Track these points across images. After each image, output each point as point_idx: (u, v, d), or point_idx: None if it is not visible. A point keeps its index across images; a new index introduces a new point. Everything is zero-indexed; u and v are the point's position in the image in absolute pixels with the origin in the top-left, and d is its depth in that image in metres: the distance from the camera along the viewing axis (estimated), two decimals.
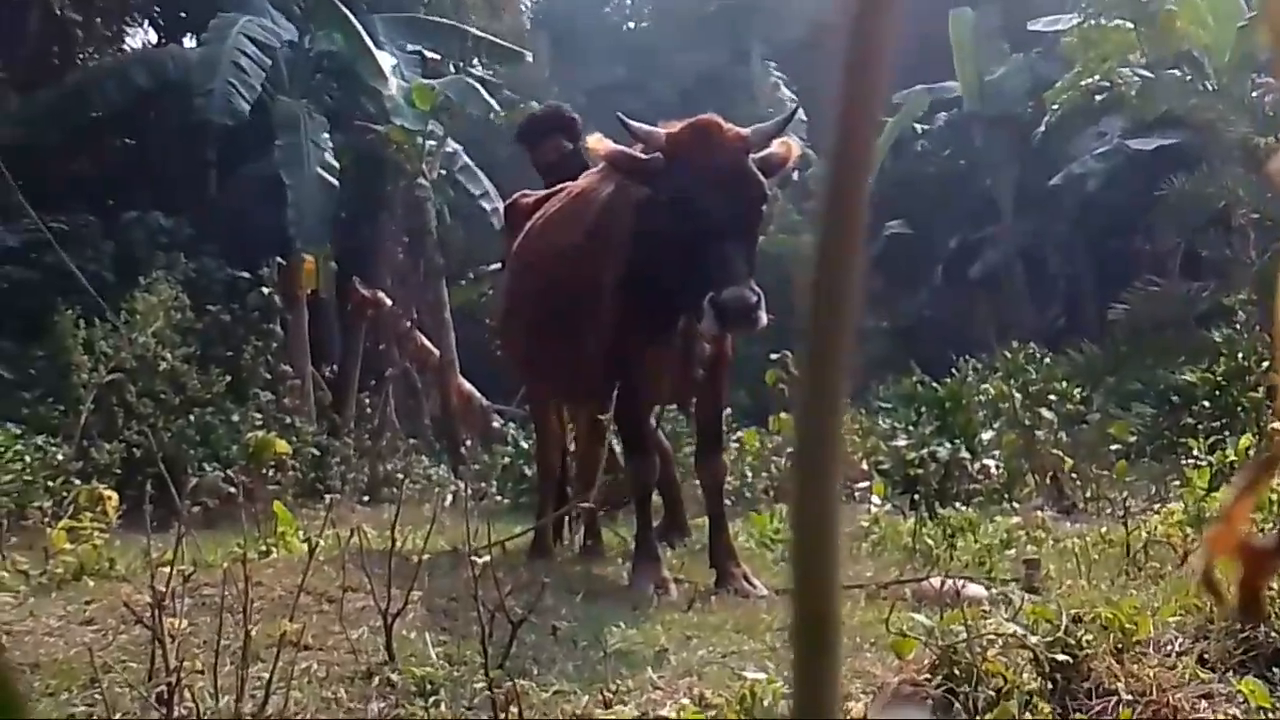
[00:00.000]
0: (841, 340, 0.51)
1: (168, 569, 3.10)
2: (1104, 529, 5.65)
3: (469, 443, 14.30)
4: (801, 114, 13.22)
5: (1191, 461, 6.32)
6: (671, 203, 4.83)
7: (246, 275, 15.44)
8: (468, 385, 15.43)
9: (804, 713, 0.52)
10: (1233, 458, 6.39)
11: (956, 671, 2.88)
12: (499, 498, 11.50)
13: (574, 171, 6.61)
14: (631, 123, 5.20)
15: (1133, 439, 10.08)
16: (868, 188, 0.50)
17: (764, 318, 4.61)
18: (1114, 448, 9.08)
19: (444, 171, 15.82)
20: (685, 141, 4.92)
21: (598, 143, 5.17)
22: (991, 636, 2.95)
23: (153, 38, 18.93)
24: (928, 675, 2.91)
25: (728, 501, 6.34)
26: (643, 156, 5.02)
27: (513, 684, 2.78)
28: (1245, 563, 0.63)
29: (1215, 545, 0.64)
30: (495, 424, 14.91)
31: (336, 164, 14.20)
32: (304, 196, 13.97)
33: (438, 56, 16.23)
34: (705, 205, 4.74)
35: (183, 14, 16.65)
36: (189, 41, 16.83)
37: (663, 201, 4.85)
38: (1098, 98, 18.31)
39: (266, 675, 2.86)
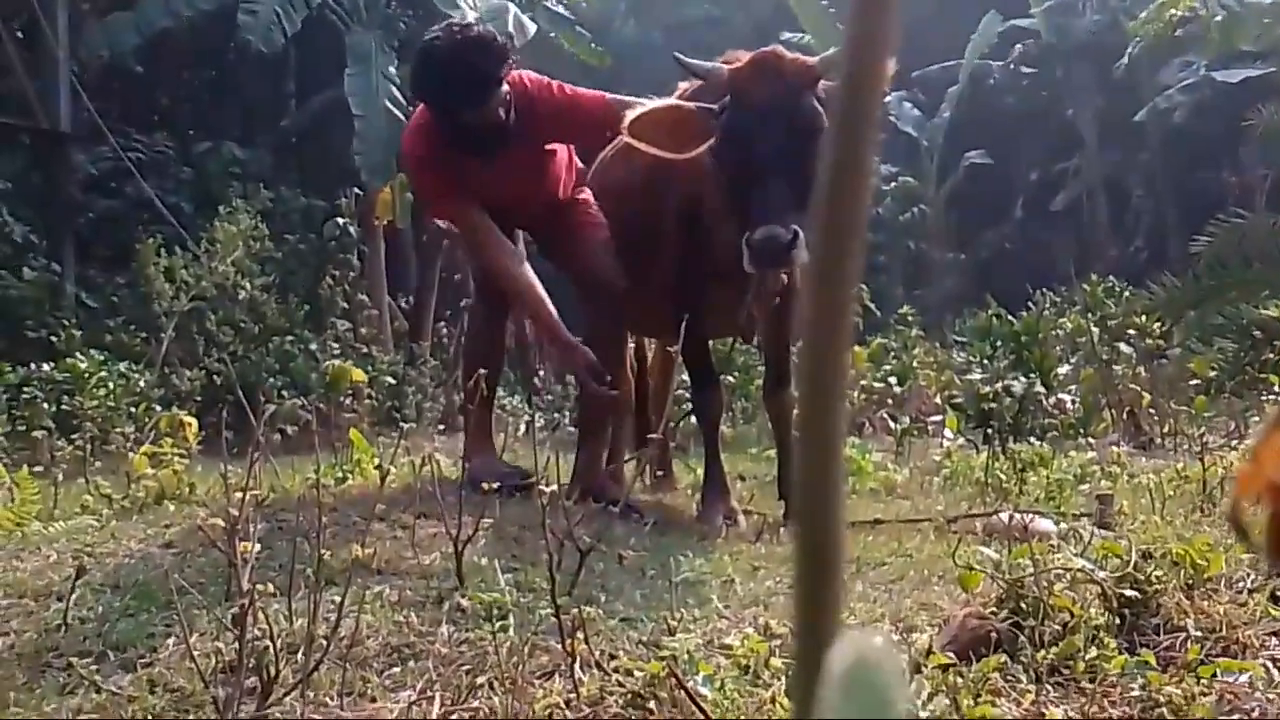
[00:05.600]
0: (847, 265, 0.51)
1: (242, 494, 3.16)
2: (1181, 465, 5.57)
3: (543, 374, 14.40)
4: None
5: (1272, 397, 6.22)
6: (723, 141, 4.71)
7: (323, 204, 15.59)
8: None
9: (805, 642, 0.52)
10: None
11: (1023, 605, 2.86)
12: (571, 429, 11.56)
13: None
14: (690, 61, 5.08)
15: (1213, 374, 9.90)
16: (877, 117, 0.49)
17: (801, 254, 4.43)
18: (1193, 383, 8.94)
19: None
20: (744, 77, 4.77)
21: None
22: (1059, 571, 2.94)
23: None
24: (994, 609, 2.90)
25: (796, 434, 6.31)
26: (712, 108, 4.88)
27: (579, 610, 2.80)
28: (1274, 502, 0.62)
29: (1244, 484, 0.63)
30: None
31: (404, 98, 14.18)
32: (371, 128, 14.00)
33: None
34: (754, 142, 4.60)
35: None
36: None
37: (720, 139, 4.76)
38: (1178, 32, 17.85)
39: (339, 599, 2.91)
